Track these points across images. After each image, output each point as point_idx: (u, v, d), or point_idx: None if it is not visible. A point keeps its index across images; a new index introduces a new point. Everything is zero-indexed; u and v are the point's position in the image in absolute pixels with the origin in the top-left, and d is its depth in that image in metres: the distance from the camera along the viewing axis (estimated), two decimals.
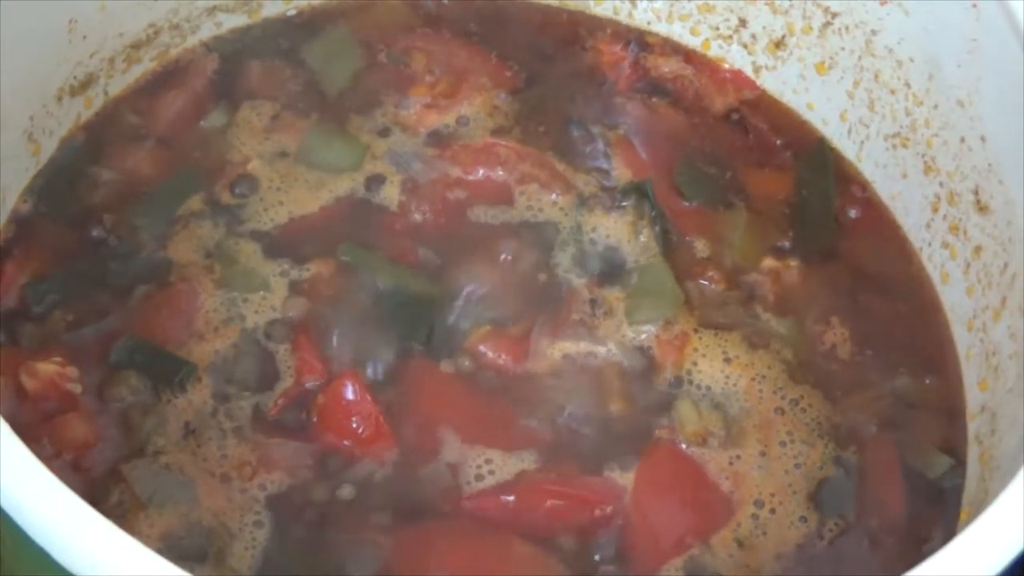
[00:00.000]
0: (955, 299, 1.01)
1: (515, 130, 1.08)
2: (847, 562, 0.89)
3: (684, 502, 0.90)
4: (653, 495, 0.89)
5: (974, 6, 0.95)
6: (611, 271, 1.00)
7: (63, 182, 1.01)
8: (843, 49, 1.08)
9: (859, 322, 1.01)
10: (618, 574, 0.86)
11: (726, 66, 1.16)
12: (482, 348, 0.94)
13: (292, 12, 1.15)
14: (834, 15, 1.08)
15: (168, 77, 1.09)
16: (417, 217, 1.02)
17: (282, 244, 0.99)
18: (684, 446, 0.92)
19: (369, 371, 0.92)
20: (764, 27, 1.13)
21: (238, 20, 1.13)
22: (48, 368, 0.89)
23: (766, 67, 1.14)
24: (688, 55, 1.17)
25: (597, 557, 0.86)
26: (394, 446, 0.89)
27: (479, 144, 1.07)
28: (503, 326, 0.96)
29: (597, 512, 0.88)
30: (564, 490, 0.89)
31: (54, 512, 0.61)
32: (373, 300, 0.96)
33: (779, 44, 1.13)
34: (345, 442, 0.89)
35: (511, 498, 0.88)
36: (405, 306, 0.96)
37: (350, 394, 0.89)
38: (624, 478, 0.90)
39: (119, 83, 1.07)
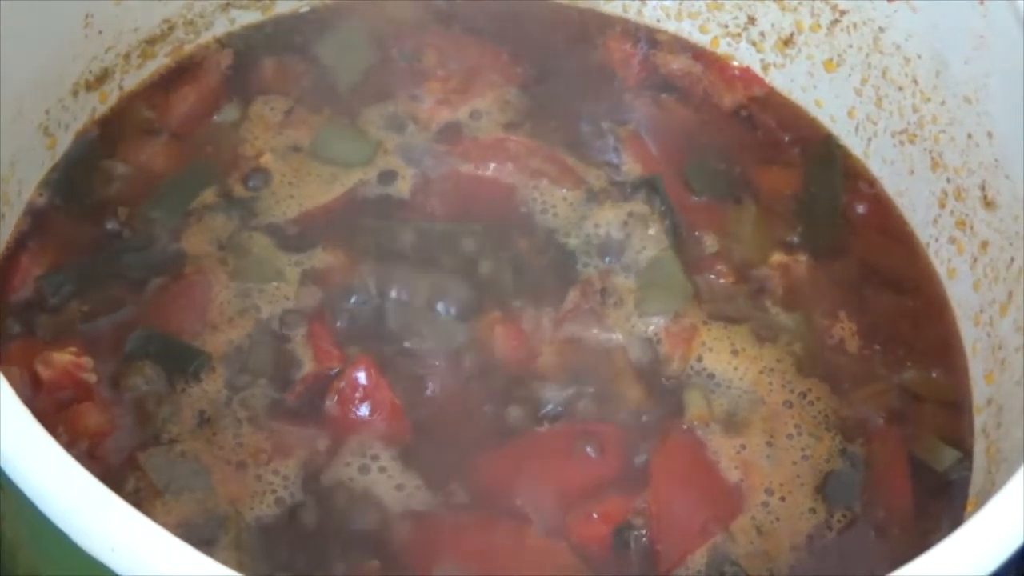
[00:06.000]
0: (962, 294, 1.02)
1: (526, 125, 1.09)
2: (855, 553, 0.89)
3: (701, 491, 0.91)
4: (671, 485, 0.90)
5: (981, 3, 0.95)
6: (621, 264, 1.01)
7: (78, 175, 1.02)
8: (851, 46, 1.09)
9: (866, 316, 1.01)
10: (644, 565, 0.87)
11: (735, 63, 1.17)
12: (491, 335, 0.95)
13: (305, 9, 1.16)
14: (842, 12, 1.08)
15: (182, 73, 1.10)
16: (429, 211, 1.03)
17: (295, 236, 0.99)
18: (688, 427, 0.93)
19: (382, 356, 0.93)
20: (773, 25, 1.14)
21: (251, 17, 1.14)
22: (63, 358, 0.90)
23: (774, 64, 1.15)
24: (697, 52, 1.18)
25: (623, 546, 0.87)
26: (408, 430, 0.90)
27: (490, 139, 1.08)
28: (512, 313, 0.97)
29: (594, 444, 0.91)
30: (555, 430, 0.92)
31: (73, 495, 0.62)
32: (385, 287, 0.97)
33: (787, 42, 1.13)
34: (360, 426, 0.90)
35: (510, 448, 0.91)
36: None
37: (364, 378, 0.90)
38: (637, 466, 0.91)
39: (134, 78, 1.08)
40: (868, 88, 1.09)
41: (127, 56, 1.06)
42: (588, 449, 0.90)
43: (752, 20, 1.15)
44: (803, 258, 1.04)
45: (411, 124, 1.08)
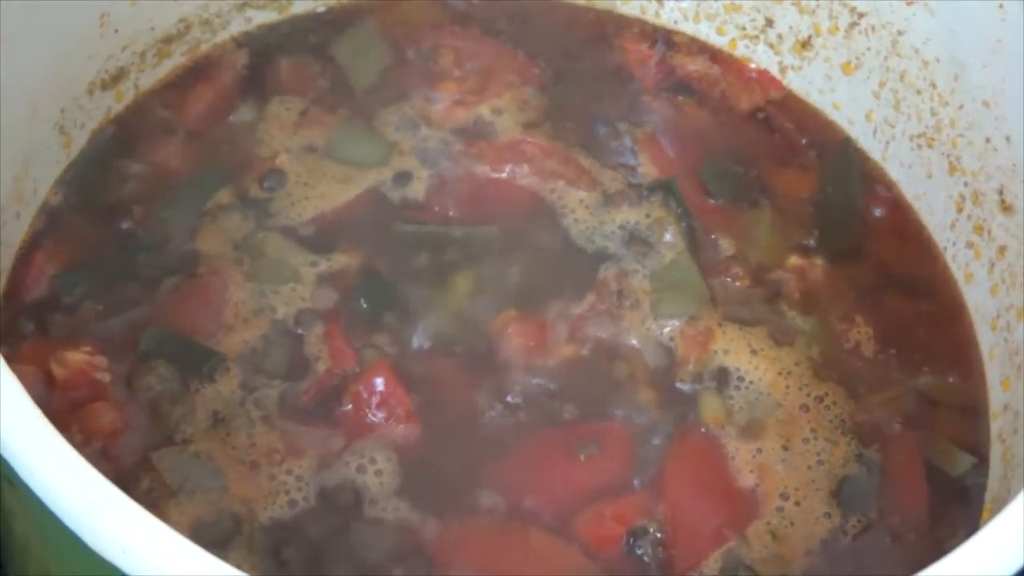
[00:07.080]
0: (979, 299, 1.01)
1: (544, 126, 1.09)
2: (871, 559, 0.89)
3: (715, 495, 0.91)
4: (686, 488, 0.90)
5: (1000, 6, 0.95)
6: (637, 266, 1.01)
7: (93, 175, 1.02)
8: (869, 49, 1.09)
9: (883, 320, 1.01)
10: (657, 570, 0.87)
11: (752, 66, 1.17)
12: (506, 336, 0.95)
13: (322, 8, 1.16)
14: (860, 15, 1.08)
15: (198, 72, 1.10)
16: (443, 212, 1.03)
17: (310, 237, 1.00)
18: (703, 430, 0.93)
19: (397, 357, 0.93)
20: (791, 27, 1.13)
21: (268, 16, 1.14)
22: (77, 357, 0.90)
23: (792, 67, 1.15)
24: (714, 54, 1.18)
25: (636, 550, 0.87)
26: (421, 432, 0.90)
27: (506, 141, 1.08)
28: (528, 315, 0.97)
29: (607, 446, 0.91)
30: (569, 431, 0.92)
31: (84, 495, 0.61)
32: (400, 289, 0.97)
33: (805, 44, 1.13)
34: (374, 430, 0.89)
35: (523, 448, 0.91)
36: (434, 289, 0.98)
37: (381, 384, 0.90)
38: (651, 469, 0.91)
39: (150, 77, 1.08)
40: (886, 91, 1.09)
41: (143, 55, 1.06)
42: (602, 451, 0.90)
43: (770, 22, 1.14)
44: (819, 261, 1.04)
45: (426, 125, 1.08)
